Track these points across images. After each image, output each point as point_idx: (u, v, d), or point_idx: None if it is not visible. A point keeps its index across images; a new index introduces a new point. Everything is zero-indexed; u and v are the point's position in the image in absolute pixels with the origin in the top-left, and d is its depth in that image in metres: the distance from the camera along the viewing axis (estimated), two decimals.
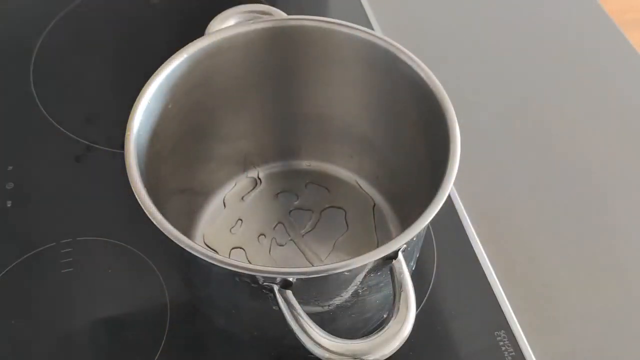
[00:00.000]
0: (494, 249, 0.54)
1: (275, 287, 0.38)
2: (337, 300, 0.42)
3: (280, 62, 0.50)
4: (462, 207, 0.56)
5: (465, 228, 0.55)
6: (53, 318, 0.51)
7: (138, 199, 0.40)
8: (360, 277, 0.41)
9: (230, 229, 0.54)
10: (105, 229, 0.55)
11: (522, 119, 0.63)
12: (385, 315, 0.47)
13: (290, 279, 0.38)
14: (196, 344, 0.50)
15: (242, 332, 0.49)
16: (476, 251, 0.54)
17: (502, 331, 0.50)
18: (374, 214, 0.55)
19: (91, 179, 0.59)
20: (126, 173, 0.41)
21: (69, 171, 0.59)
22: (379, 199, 0.56)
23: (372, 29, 0.66)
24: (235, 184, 0.56)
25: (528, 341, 0.49)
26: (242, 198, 0.56)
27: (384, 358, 0.37)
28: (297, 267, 0.46)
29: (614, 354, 0.50)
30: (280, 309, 0.38)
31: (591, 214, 0.57)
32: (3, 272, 0.53)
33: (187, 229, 0.52)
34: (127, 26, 0.71)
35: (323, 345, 0.36)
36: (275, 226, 0.54)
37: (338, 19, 0.48)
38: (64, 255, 0.53)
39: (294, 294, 0.38)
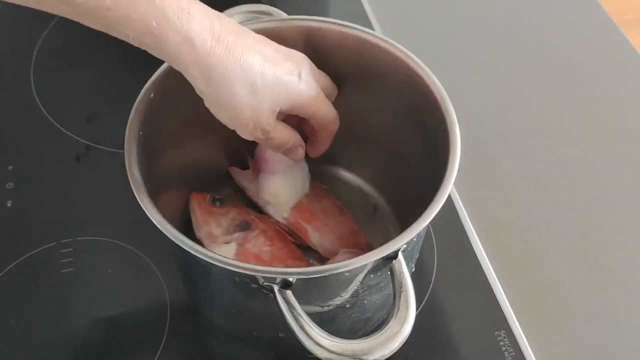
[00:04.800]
0: (494, 249, 0.54)
1: (275, 287, 0.38)
2: (337, 301, 0.42)
3: None
4: (462, 207, 0.56)
5: (465, 228, 0.55)
6: (53, 318, 0.51)
7: (138, 199, 0.40)
8: (360, 277, 0.41)
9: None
10: (105, 229, 0.55)
11: (522, 119, 0.63)
12: (385, 316, 0.47)
13: (290, 279, 0.38)
14: (196, 344, 0.50)
15: (242, 332, 0.49)
16: (476, 251, 0.54)
17: (502, 331, 0.50)
18: (375, 215, 0.55)
19: (91, 179, 0.59)
20: (126, 173, 0.41)
21: (69, 171, 0.59)
22: (379, 199, 0.56)
23: (372, 29, 0.66)
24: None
25: (528, 341, 0.49)
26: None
27: (384, 358, 0.37)
28: (297, 267, 0.46)
29: (614, 354, 0.50)
30: (280, 309, 0.38)
31: (591, 213, 0.57)
32: (3, 272, 0.53)
33: (187, 229, 0.52)
34: None
35: (323, 345, 0.36)
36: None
37: (338, 19, 0.48)
38: (64, 255, 0.54)
39: (294, 294, 0.38)
